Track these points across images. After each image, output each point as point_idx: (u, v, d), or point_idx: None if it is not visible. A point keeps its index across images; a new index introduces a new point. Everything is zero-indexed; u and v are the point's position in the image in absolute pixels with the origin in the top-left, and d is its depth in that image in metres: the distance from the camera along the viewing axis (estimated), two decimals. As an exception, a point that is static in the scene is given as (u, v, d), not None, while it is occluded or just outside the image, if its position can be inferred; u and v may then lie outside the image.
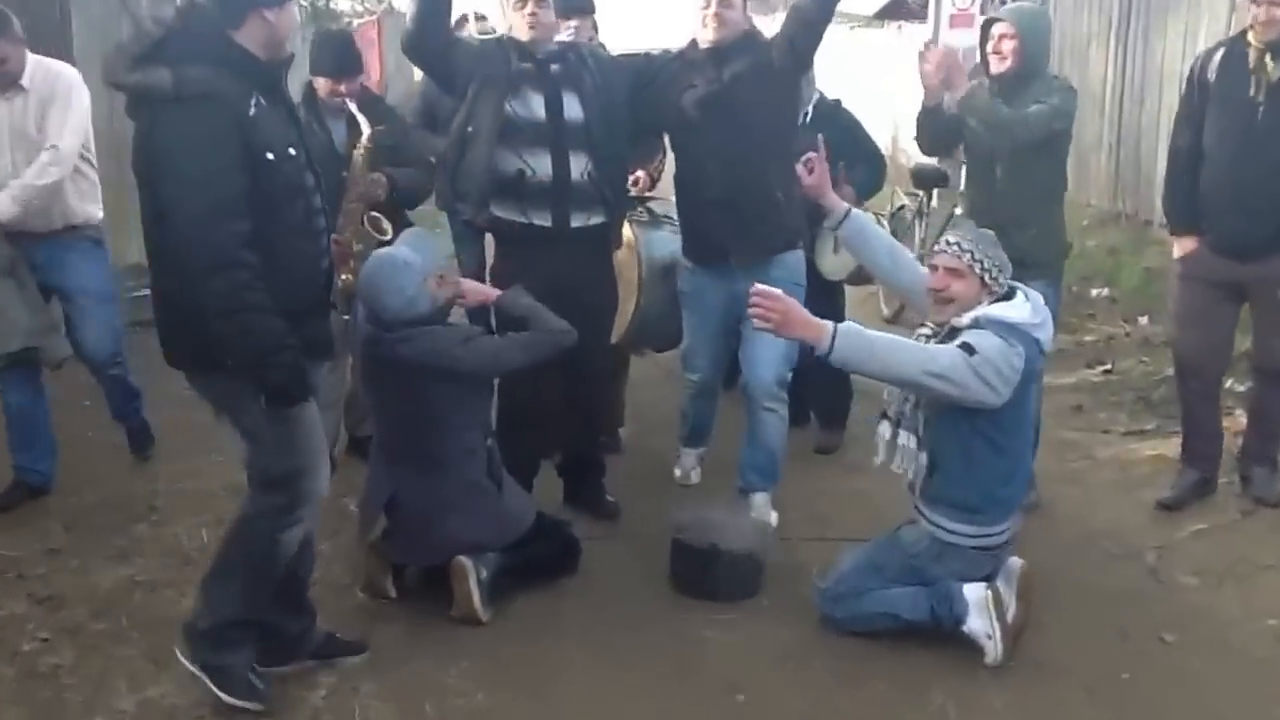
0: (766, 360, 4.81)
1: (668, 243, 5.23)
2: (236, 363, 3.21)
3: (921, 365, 3.56)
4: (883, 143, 6.70)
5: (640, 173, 5.52)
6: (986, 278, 3.76)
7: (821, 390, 5.84)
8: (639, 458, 5.69)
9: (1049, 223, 4.83)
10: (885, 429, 3.98)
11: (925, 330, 3.89)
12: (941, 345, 3.66)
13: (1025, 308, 3.75)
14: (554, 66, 4.62)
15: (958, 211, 5.05)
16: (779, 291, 3.56)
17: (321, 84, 5.18)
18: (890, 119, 12.10)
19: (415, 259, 3.93)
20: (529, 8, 4.55)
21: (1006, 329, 3.66)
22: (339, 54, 5.19)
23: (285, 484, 3.43)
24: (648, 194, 5.57)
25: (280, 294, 3.20)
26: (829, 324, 3.51)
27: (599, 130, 4.61)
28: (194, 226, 3.10)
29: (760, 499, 4.96)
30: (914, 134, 5.17)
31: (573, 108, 4.60)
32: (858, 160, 5.45)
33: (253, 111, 3.18)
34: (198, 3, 3.32)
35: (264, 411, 3.31)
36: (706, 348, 5.07)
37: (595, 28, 5.76)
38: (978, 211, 4.81)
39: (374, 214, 4.99)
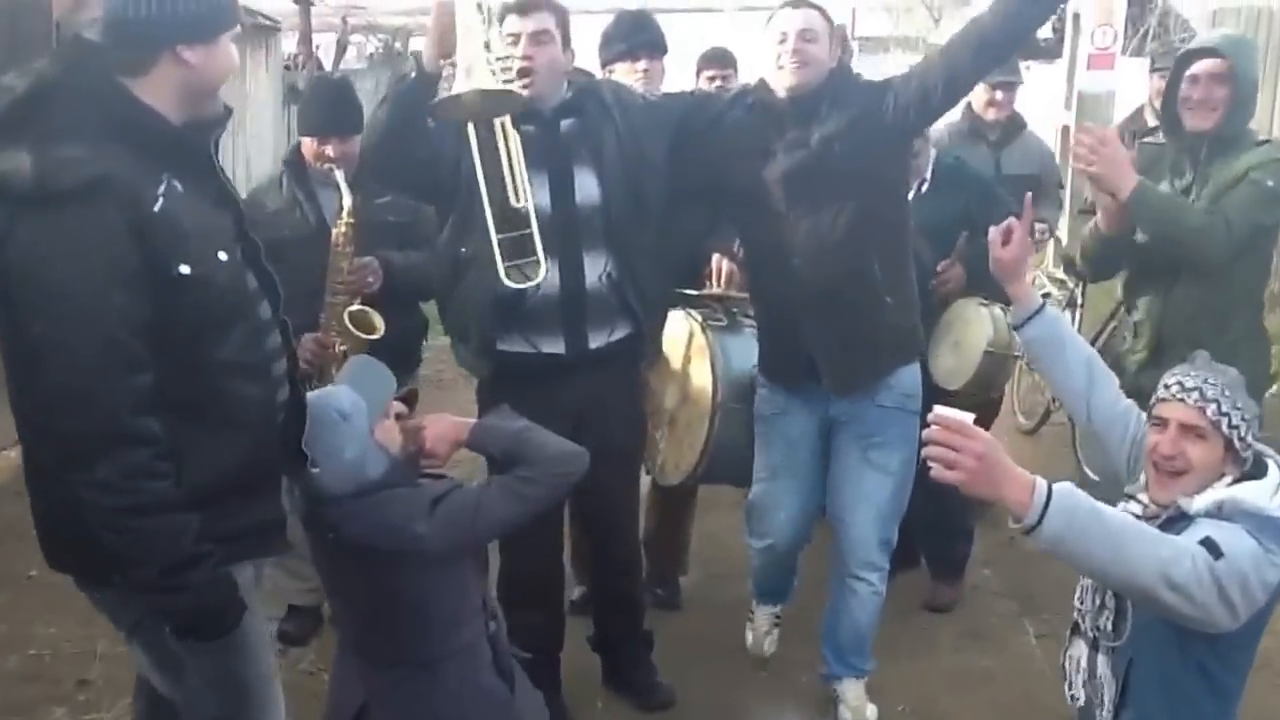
0: (865, 515, 3.57)
1: (751, 353, 3.89)
2: (130, 581, 2.34)
3: (1160, 568, 2.27)
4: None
5: (718, 259, 4.13)
6: (1235, 440, 2.51)
7: (934, 528, 4.53)
8: (703, 614, 4.46)
9: (1244, 341, 3.51)
10: (1080, 650, 2.69)
11: (1133, 507, 2.61)
12: (1184, 543, 2.37)
13: (1277, 487, 2.46)
14: (565, 124, 3.41)
15: (1131, 316, 3.69)
16: (969, 420, 2.22)
17: (307, 145, 4.03)
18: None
19: (354, 406, 2.69)
20: (522, 47, 3.35)
21: (1263, 526, 2.39)
22: (328, 106, 4.04)
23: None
24: (727, 291, 4.11)
25: (207, 467, 2.37)
26: (1040, 482, 2.23)
27: (622, 212, 3.44)
28: (67, 383, 2.22)
29: (852, 690, 3.76)
30: (1079, 252, 3.92)
31: (587, 186, 3.43)
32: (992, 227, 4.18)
33: (159, 205, 2.27)
34: (84, 40, 2.35)
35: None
36: (788, 500, 3.72)
37: (663, 73, 4.39)
38: (1152, 317, 3.57)
39: (361, 308, 3.82)
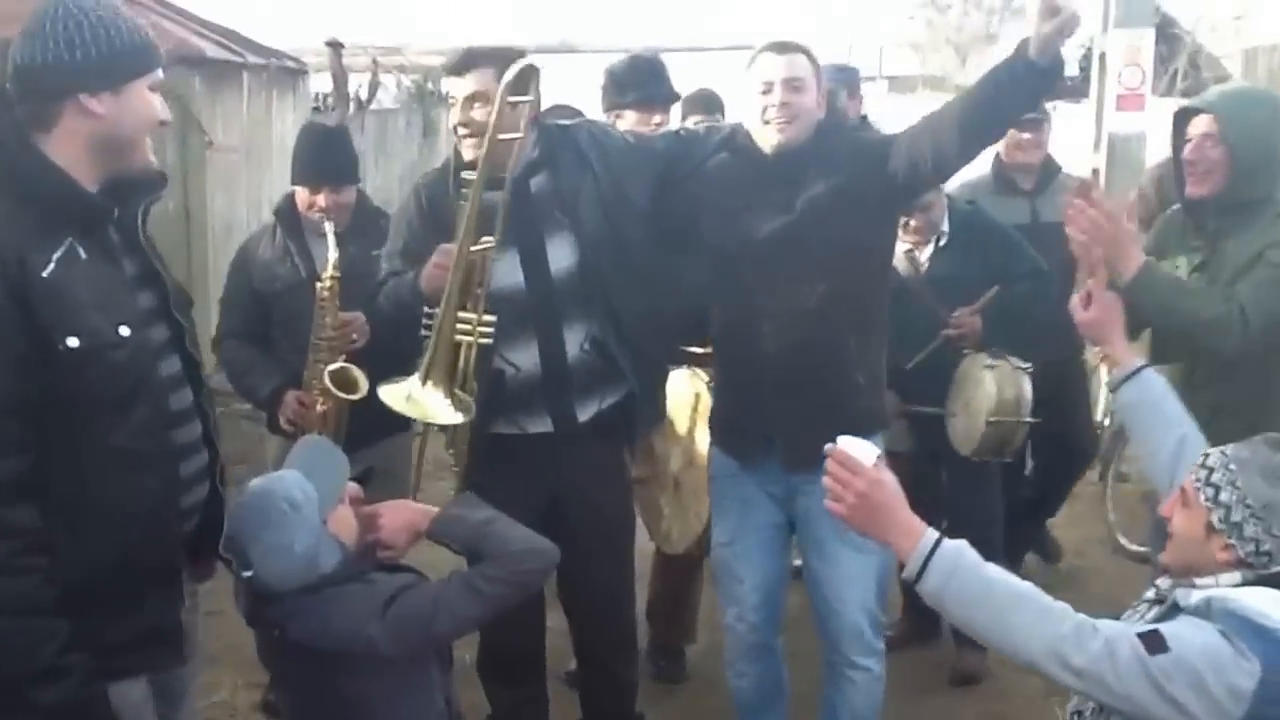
0: (853, 600, 3.22)
1: None
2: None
3: (1052, 645, 2.06)
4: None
5: None
6: (1232, 541, 2.16)
7: None
8: (709, 689, 4.12)
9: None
10: None
11: (1149, 594, 2.33)
12: (1111, 623, 2.13)
13: None
14: (535, 183, 3.14)
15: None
16: (862, 456, 2.17)
17: (300, 195, 3.82)
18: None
19: (305, 494, 2.40)
20: (458, 113, 3.15)
21: (1240, 628, 2.07)
22: (320, 156, 3.83)
23: None
24: None
25: (87, 565, 2.11)
26: (929, 535, 2.13)
27: (604, 270, 3.19)
28: None
29: None
30: None
31: (561, 253, 3.18)
32: (1017, 279, 3.99)
33: (49, 270, 2.07)
34: (3, 91, 2.16)
35: None
36: (751, 568, 3.36)
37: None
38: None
39: (343, 366, 3.59)
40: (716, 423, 3.44)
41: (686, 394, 3.77)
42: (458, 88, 3.13)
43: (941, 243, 4.05)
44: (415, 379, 3.03)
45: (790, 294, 3.13)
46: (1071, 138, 9.64)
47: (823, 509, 3.11)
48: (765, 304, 3.15)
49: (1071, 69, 13.34)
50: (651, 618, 4.33)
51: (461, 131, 3.12)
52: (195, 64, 8.33)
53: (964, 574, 2.10)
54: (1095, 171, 9.06)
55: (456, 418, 3.06)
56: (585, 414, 3.25)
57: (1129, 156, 7.98)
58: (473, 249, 3.00)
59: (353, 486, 2.52)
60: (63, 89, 2.11)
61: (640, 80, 4.03)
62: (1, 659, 2.04)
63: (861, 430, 3.15)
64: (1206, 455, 2.23)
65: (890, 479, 2.18)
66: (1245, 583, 2.16)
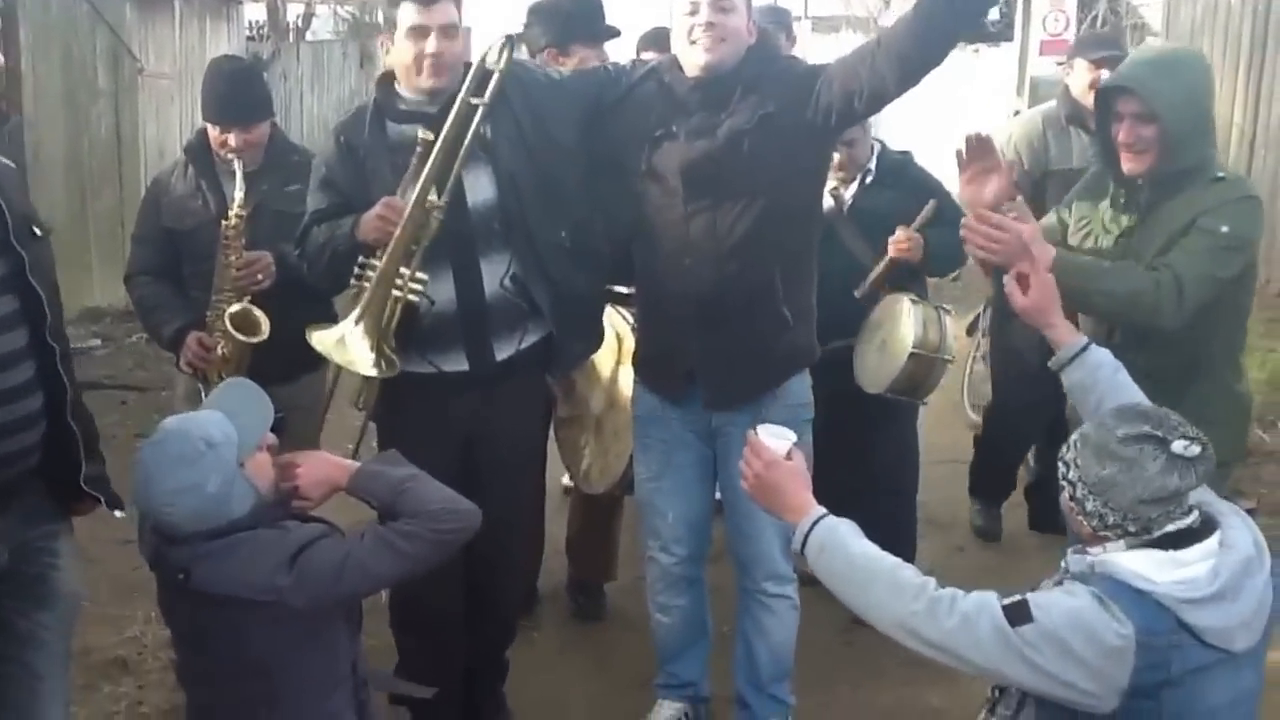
0: (767, 529, 3.09)
1: None
2: None
3: (902, 620, 2.10)
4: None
5: None
6: (1080, 517, 2.14)
7: (871, 530, 4.00)
8: (626, 628, 4.01)
9: (1211, 397, 2.89)
10: None
11: (1063, 563, 2.25)
12: (979, 596, 2.09)
13: (1190, 568, 2.05)
14: (421, 134, 2.92)
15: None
16: (774, 445, 2.34)
17: (211, 132, 3.58)
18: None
19: (224, 436, 2.27)
20: (430, 44, 2.92)
21: (1119, 592, 2.02)
22: (228, 94, 3.57)
23: None
24: None
25: None
26: (813, 513, 2.26)
27: (525, 207, 3.00)
28: None
29: None
30: None
31: (480, 185, 2.99)
32: (946, 224, 3.74)
33: None
34: None
35: None
36: (674, 502, 3.25)
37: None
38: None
39: (244, 308, 3.39)
40: (640, 359, 3.29)
41: (609, 336, 3.61)
42: (431, 17, 2.92)
43: (867, 180, 3.90)
44: (348, 324, 2.86)
45: (712, 224, 2.97)
46: (994, 81, 9.60)
47: (740, 441, 3.06)
48: (687, 237, 2.99)
49: (993, 14, 13.26)
50: (571, 555, 4.23)
51: (431, 62, 2.92)
52: (127, -9, 8.14)
53: (832, 549, 2.20)
54: (1018, 113, 9.04)
55: (376, 371, 2.89)
56: (504, 353, 3.08)
57: (1049, 98, 7.94)
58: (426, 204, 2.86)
59: (270, 437, 2.37)
60: None
61: (567, 18, 3.82)
62: None
63: (790, 367, 3.11)
64: (1063, 461, 2.18)
65: (792, 464, 2.32)
66: (1132, 547, 2.09)
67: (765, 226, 2.95)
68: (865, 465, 3.97)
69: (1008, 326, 4.46)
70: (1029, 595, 2.06)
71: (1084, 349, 2.55)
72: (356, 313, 2.87)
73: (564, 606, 4.21)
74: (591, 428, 3.77)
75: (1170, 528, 2.08)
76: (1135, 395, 2.45)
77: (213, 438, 2.25)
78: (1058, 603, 2.03)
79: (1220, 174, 2.88)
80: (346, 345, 2.87)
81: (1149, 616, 2.00)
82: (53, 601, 2.45)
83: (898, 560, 2.17)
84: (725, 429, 3.10)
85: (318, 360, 3.82)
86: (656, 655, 3.45)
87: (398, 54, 2.98)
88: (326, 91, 13.15)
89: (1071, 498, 2.13)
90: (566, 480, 4.40)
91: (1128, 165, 2.88)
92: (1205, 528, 2.11)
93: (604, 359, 3.65)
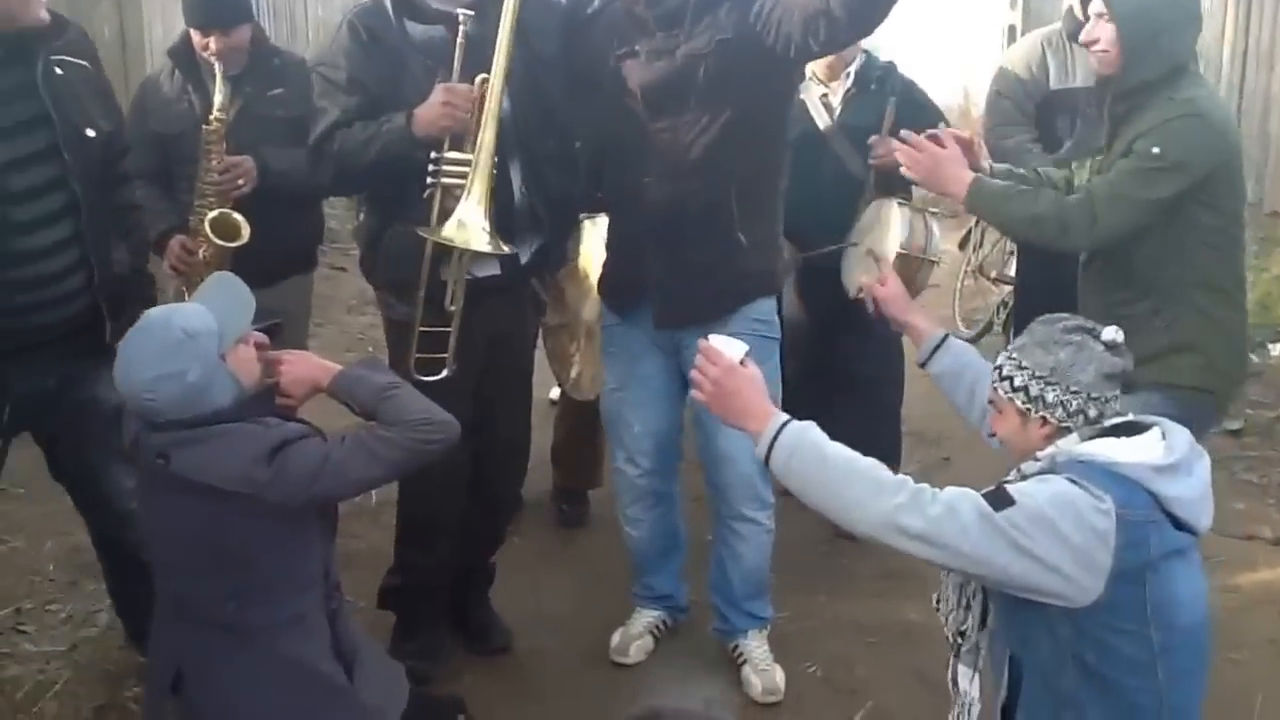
0: (741, 452, 3.08)
1: None
2: None
3: (886, 514, 2.03)
4: (951, 113, 4.76)
5: None
6: (1043, 414, 2.16)
7: (855, 436, 3.98)
8: (610, 535, 3.96)
9: (1179, 324, 2.87)
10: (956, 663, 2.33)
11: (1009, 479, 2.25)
12: (959, 488, 2.09)
13: (1147, 446, 2.11)
14: (463, 17, 2.88)
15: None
16: (728, 353, 2.23)
17: (194, 37, 3.56)
18: (960, 80, 9.55)
19: (204, 326, 2.31)
20: None
21: (1089, 472, 2.05)
22: None
23: None
24: None
25: None
26: (777, 418, 2.17)
27: (529, 118, 3.01)
28: None
29: (757, 646, 3.34)
30: None
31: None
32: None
33: None
34: None
35: None
36: (641, 414, 3.27)
37: None
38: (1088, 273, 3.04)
39: (224, 212, 3.40)
40: (603, 272, 3.33)
41: (599, 245, 3.60)
42: None
43: (850, 91, 3.89)
44: (468, 205, 2.81)
45: (670, 145, 2.98)
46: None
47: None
48: (647, 154, 3.01)
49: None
50: (556, 462, 4.27)
51: None
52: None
53: (803, 452, 2.11)
54: (1011, 28, 8.94)
55: (492, 247, 2.84)
56: (525, 257, 3.12)
57: (1043, 13, 7.85)
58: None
59: (259, 335, 2.41)
60: None
61: None
62: None
63: (745, 294, 3.11)
64: (999, 364, 2.22)
65: (749, 371, 2.21)
66: (1088, 438, 2.13)
67: (723, 148, 2.96)
68: (850, 375, 3.99)
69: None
70: (1004, 484, 2.09)
71: (944, 339, 2.62)
72: (475, 194, 2.81)
73: (548, 513, 4.26)
74: (582, 335, 3.79)
75: (1116, 420, 2.14)
76: (980, 369, 2.55)
77: (193, 327, 2.29)
78: (1036, 489, 2.05)
79: (1179, 93, 2.80)
80: (466, 225, 2.82)
81: (1124, 490, 2.03)
82: (100, 409, 2.75)
83: (872, 459, 2.13)
84: (687, 344, 3.08)
85: (304, 265, 3.86)
86: (632, 566, 3.50)
87: None
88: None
89: (1027, 399, 2.14)
90: (554, 394, 4.41)
91: (1094, 67, 2.92)
92: (1142, 424, 2.16)
93: (591, 265, 3.64)
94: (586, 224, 3.58)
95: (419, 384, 2.87)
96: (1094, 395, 2.12)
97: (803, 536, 3.69)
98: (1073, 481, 2.03)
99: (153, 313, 2.36)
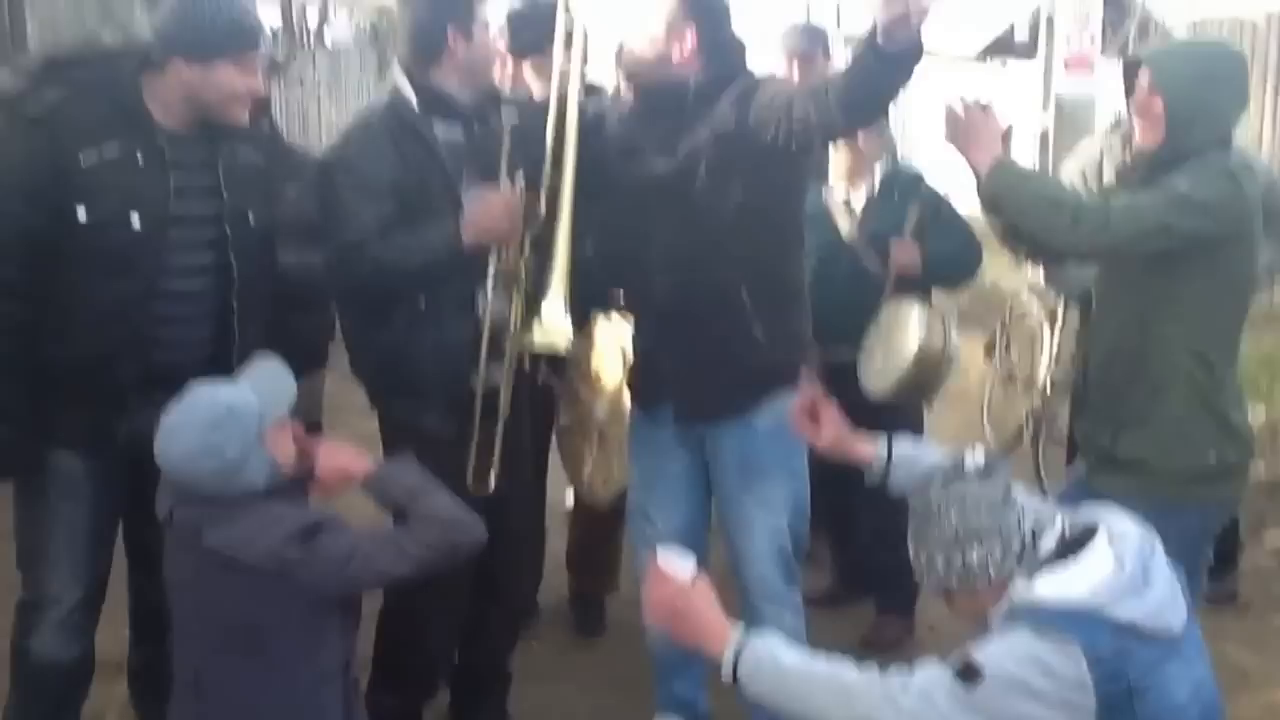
0: (760, 549, 3.08)
1: None
2: None
3: (859, 715, 2.06)
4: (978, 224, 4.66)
5: None
6: (973, 583, 2.13)
7: (878, 544, 3.92)
8: (627, 643, 3.92)
9: (1168, 404, 2.83)
10: None
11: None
12: (926, 670, 2.09)
13: (1096, 568, 2.05)
14: (508, 117, 2.99)
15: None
16: (678, 575, 2.23)
17: None
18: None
19: (245, 403, 2.38)
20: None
21: (1049, 618, 2.02)
22: None
23: (24, 571, 2.88)
24: None
25: (76, 374, 2.72)
26: (733, 638, 2.17)
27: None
28: None
29: None
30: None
31: None
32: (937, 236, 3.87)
33: (91, 158, 2.62)
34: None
35: None
36: (664, 514, 3.23)
37: None
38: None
39: None
40: (630, 369, 3.33)
41: (613, 344, 3.58)
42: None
43: (873, 193, 3.89)
44: (551, 305, 2.87)
45: (676, 241, 2.97)
46: (1021, 96, 9.53)
47: (727, 457, 3.10)
48: (655, 250, 3.02)
49: (1021, 32, 13.21)
50: (572, 567, 4.20)
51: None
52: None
53: (764, 672, 2.13)
54: (1044, 133, 8.98)
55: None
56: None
57: (1076, 118, 7.89)
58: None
59: (297, 423, 2.49)
60: (164, 51, 2.66)
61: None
62: None
63: (765, 388, 3.05)
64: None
65: (700, 588, 2.22)
66: (1033, 575, 2.08)
67: (730, 241, 2.94)
68: (871, 489, 3.90)
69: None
70: (970, 651, 2.04)
71: (889, 451, 2.62)
72: (556, 293, 2.88)
73: (564, 619, 4.18)
74: (595, 437, 3.74)
75: (1050, 542, 2.09)
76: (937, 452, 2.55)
77: (236, 404, 2.36)
78: (1001, 648, 2.02)
79: (1217, 160, 2.81)
80: (552, 329, 2.88)
81: (1086, 630, 1.99)
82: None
83: (834, 662, 2.13)
84: (710, 436, 3.10)
85: (311, 367, 3.83)
86: (654, 670, 3.40)
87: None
88: (344, 99, 13.24)
89: (954, 580, 2.11)
90: (569, 500, 4.36)
91: (1139, 139, 2.91)
92: (1085, 533, 2.11)
93: (610, 368, 3.62)
94: (599, 322, 3.56)
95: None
96: (1006, 535, 2.07)
97: (833, 646, 3.57)
98: (1033, 630, 2.00)
99: (198, 386, 2.41)
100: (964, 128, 2.84)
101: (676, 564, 2.24)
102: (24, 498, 2.85)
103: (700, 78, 2.95)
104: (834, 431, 2.71)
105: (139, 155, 2.65)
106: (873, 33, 2.55)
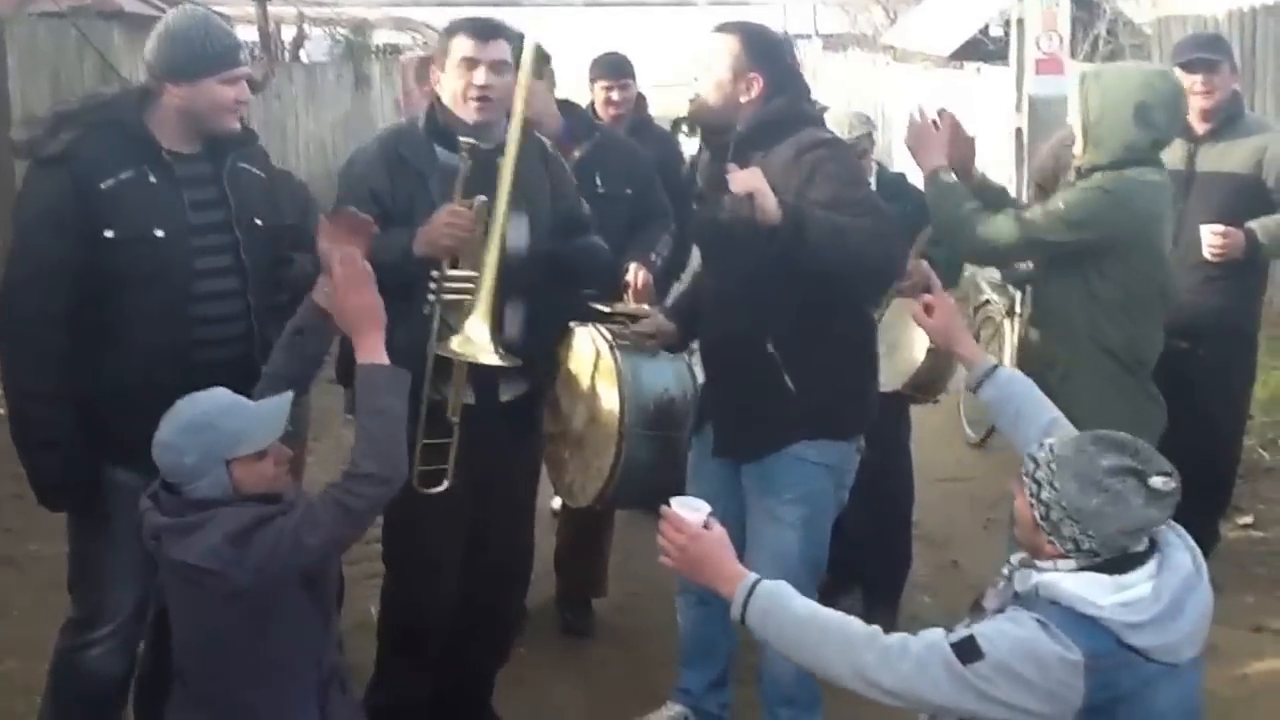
0: (768, 570, 3.09)
1: (663, 375, 3.50)
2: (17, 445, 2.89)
3: (858, 671, 2.15)
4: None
5: (635, 269, 3.82)
6: (1053, 538, 2.17)
7: (870, 547, 4.08)
8: (615, 644, 4.04)
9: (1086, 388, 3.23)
10: None
11: (1005, 569, 2.30)
12: (927, 637, 2.16)
13: (1130, 592, 2.10)
14: (464, 145, 3.01)
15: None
16: (691, 518, 2.31)
17: None
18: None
19: (227, 424, 2.48)
20: (478, 75, 3.06)
21: (1061, 616, 2.07)
22: None
23: (77, 592, 3.00)
24: (639, 306, 3.71)
25: (123, 388, 2.83)
26: (747, 580, 2.26)
27: (543, 263, 3.16)
28: (7, 293, 2.89)
29: None
30: None
31: (517, 232, 3.11)
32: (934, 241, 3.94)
33: (109, 184, 2.81)
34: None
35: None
36: None
37: None
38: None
39: None
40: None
41: (589, 352, 3.64)
42: (484, 52, 3.05)
43: None
44: (473, 321, 2.94)
45: (719, 285, 3.21)
46: (996, 99, 9.65)
47: (751, 498, 3.22)
48: (707, 289, 3.30)
49: (995, 32, 13.33)
50: (560, 570, 4.27)
51: (479, 94, 3.05)
52: (114, 17, 8.24)
53: (777, 613, 2.22)
54: (1019, 131, 9.06)
55: (497, 359, 2.95)
56: (508, 394, 3.20)
57: (1049, 118, 7.95)
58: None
59: (281, 449, 2.54)
60: (157, 79, 2.88)
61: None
62: (30, 429, 2.83)
63: (792, 436, 3.12)
64: (1040, 446, 2.25)
65: (713, 534, 2.30)
66: (1080, 568, 2.14)
67: (758, 291, 3.06)
68: (859, 483, 4.00)
69: None
70: (974, 628, 2.12)
71: (994, 368, 2.76)
72: (481, 310, 2.94)
73: (552, 622, 4.24)
74: (573, 443, 3.79)
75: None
76: (1048, 406, 2.67)
77: (215, 421, 2.47)
78: (1005, 633, 2.09)
79: (1112, 174, 3.19)
80: (472, 340, 2.94)
81: (1095, 641, 2.05)
82: None
83: (842, 614, 2.22)
84: (744, 473, 3.21)
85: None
86: (681, 657, 3.50)
87: (447, 83, 3.10)
88: (322, 109, 13.35)
89: (1044, 517, 2.15)
90: (555, 503, 4.42)
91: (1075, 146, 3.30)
92: (1148, 550, 2.16)
93: (583, 374, 3.64)
94: (577, 330, 3.62)
95: (420, 497, 2.96)
96: (1109, 545, 2.12)
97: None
98: (1044, 625, 2.06)
99: (215, 389, 2.55)
100: (916, 135, 3.29)
101: (690, 510, 2.32)
102: (83, 522, 2.94)
103: (756, 119, 3.08)
104: (946, 321, 2.85)
105: (151, 176, 2.84)
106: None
